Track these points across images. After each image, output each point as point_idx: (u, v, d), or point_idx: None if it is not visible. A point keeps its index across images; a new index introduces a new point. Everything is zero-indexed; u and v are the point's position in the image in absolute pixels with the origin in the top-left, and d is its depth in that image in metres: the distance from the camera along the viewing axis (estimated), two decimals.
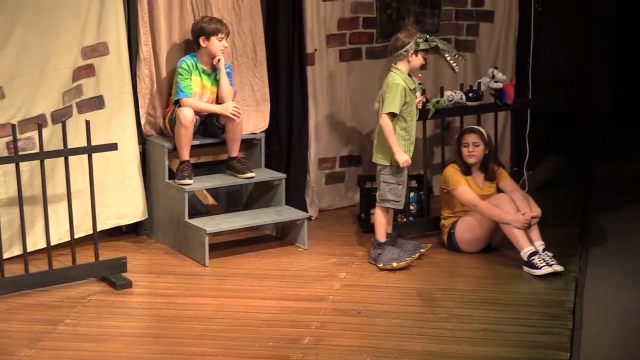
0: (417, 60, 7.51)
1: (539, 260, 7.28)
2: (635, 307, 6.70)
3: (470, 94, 8.28)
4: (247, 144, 8.26)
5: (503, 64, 9.08)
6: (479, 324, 6.40)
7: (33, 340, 6.17)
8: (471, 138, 7.78)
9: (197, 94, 7.88)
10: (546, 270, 7.23)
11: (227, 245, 7.86)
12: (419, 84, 8.05)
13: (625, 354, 6.04)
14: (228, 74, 7.93)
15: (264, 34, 8.42)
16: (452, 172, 7.79)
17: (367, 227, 8.24)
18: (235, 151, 7.95)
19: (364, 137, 8.92)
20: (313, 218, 8.46)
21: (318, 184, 8.71)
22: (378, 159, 7.55)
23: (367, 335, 6.25)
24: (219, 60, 7.83)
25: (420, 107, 7.79)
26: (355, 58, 8.87)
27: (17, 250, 7.33)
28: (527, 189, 8.71)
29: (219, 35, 7.79)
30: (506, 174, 8.00)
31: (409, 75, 7.51)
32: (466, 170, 7.82)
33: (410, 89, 7.46)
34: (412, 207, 8.30)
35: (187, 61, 7.85)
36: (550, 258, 7.32)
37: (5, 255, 7.02)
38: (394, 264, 7.34)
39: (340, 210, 8.88)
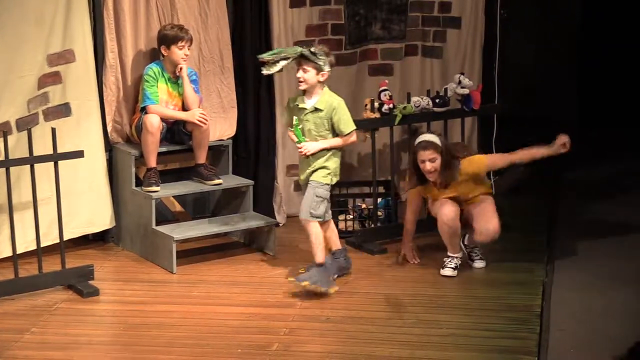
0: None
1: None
2: (602, 311, 6.74)
3: (437, 100, 8.29)
4: (215, 150, 8.25)
5: (469, 69, 9.10)
6: (446, 329, 6.41)
7: None
8: (427, 155, 7.34)
9: (163, 101, 7.86)
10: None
11: (194, 252, 7.84)
12: (386, 89, 8.07)
13: (593, 357, 6.07)
14: (194, 80, 7.91)
15: (231, 40, 8.41)
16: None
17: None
18: (202, 158, 7.93)
19: None
20: (281, 224, 8.46)
21: (286, 190, 8.70)
22: (319, 177, 7.15)
23: (336, 341, 6.25)
24: (180, 69, 7.80)
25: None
26: None
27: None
28: (494, 193, 8.74)
29: (179, 44, 7.77)
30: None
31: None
32: (422, 178, 7.50)
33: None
34: (379, 213, 8.30)
35: (154, 68, 7.83)
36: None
37: None
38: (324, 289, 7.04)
39: None
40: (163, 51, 7.84)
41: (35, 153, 7.03)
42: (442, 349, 6.12)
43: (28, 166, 7.01)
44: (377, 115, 8.11)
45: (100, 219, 7.93)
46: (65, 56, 7.69)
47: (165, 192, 7.86)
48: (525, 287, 7.16)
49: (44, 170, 7.22)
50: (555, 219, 8.79)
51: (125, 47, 7.98)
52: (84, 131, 7.78)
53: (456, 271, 7.42)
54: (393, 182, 8.44)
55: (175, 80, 7.89)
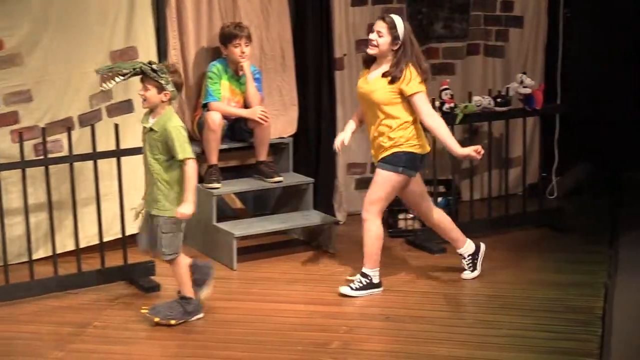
0: None
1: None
2: None
3: (499, 100, 8.25)
4: (275, 148, 8.29)
5: (532, 69, 9.06)
6: (506, 330, 6.37)
7: (62, 343, 6.21)
8: (377, 25, 6.80)
9: (225, 99, 7.90)
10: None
11: (255, 249, 7.88)
12: (447, 88, 8.03)
13: None
14: (257, 79, 7.95)
15: (293, 38, 8.44)
16: None
17: (395, 232, 8.25)
18: (263, 155, 7.96)
19: None
20: (341, 222, 8.47)
21: (347, 188, 8.71)
22: (165, 210, 6.49)
23: (395, 340, 6.24)
24: (242, 66, 7.84)
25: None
26: None
27: (43, 252, 7.38)
28: (556, 194, 8.69)
29: (235, 42, 7.81)
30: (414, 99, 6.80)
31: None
32: (367, 62, 7.01)
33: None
34: None
35: (217, 65, 7.88)
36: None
37: (34, 257, 7.06)
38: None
39: None
40: (223, 49, 7.90)
41: (98, 149, 7.11)
42: (501, 349, 6.08)
43: (91, 162, 7.10)
44: (438, 114, 8.07)
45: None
46: (128, 53, 7.77)
47: (226, 189, 7.91)
48: (586, 289, 7.09)
49: (107, 166, 7.30)
50: (618, 220, 8.70)
51: (188, 44, 8.05)
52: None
53: (472, 273, 7.32)
54: (454, 181, 8.42)
55: (237, 77, 7.93)
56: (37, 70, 7.36)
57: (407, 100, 6.80)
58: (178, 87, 6.46)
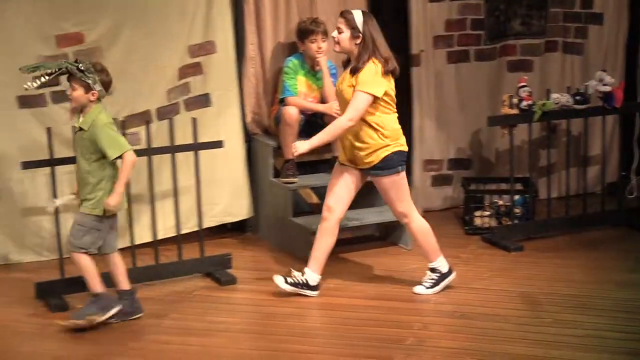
0: None
1: None
2: None
3: (578, 97, 8.17)
4: None
5: (611, 66, 8.97)
6: (582, 330, 6.31)
7: (139, 333, 6.29)
8: (338, 21, 6.68)
9: (302, 94, 7.94)
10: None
11: None
12: (525, 86, 7.98)
13: None
14: (334, 74, 7.96)
15: None
16: None
17: (471, 229, 8.22)
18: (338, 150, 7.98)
19: (473, 140, 8.89)
20: None
21: (423, 185, 8.70)
22: (92, 209, 6.38)
23: (470, 337, 6.22)
24: (318, 62, 7.86)
25: None
26: (463, 60, 8.84)
27: (120, 244, 7.47)
28: (635, 194, 8.60)
29: (312, 37, 7.83)
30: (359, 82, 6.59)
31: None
32: (346, 63, 6.81)
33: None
34: (517, 210, 8.24)
35: (294, 61, 7.92)
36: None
37: None
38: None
39: (445, 211, 8.89)
40: (299, 45, 7.93)
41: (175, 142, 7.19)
42: (577, 349, 6.01)
43: (168, 155, 7.18)
44: (515, 111, 8.04)
45: (238, 208, 8.07)
46: (206, 47, 7.84)
47: (303, 183, 7.95)
48: None
49: (184, 160, 7.39)
50: None
51: (265, 39, 8.10)
52: (224, 122, 7.93)
53: (430, 290, 6.97)
54: (531, 179, 8.37)
55: (314, 73, 7.96)
56: (116, 64, 7.45)
57: (374, 101, 6.59)
58: (106, 86, 6.34)
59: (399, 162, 6.73)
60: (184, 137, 7.36)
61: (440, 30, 8.68)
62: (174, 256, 7.27)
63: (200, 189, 7.22)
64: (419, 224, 6.91)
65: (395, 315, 6.58)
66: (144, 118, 7.40)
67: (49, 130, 6.70)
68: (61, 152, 6.95)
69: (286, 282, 6.86)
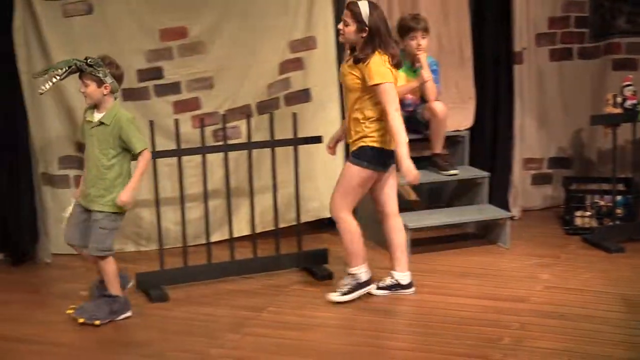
0: None
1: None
2: None
3: None
4: (451, 141, 8.26)
5: None
6: None
7: (237, 326, 6.34)
8: (344, 14, 6.52)
9: None
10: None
11: (428, 242, 7.88)
12: (630, 85, 7.84)
13: None
14: (434, 71, 7.91)
15: (471, 31, 8.38)
16: None
17: (572, 229, 8.12)
18: (439, 148, 7.94)
19: (574, 139, 8.77)
20: (516, 218, 8.38)
21: (522, 183, 8.62)
22: (109, 205, 6.40)
23: (569, 338, 6.13)
24: (418, 58, 7.82)
25: None
26: (566, 58, 8.73)
27: (219, 236, 7.54)
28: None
29: (411, 34, 7.79)
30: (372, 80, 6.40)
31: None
32: (352, 49, 6.64)
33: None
34: (618, 211, 8.11)
35: None
36: None
37: (211, 239, 7.24)
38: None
39: (545, 210, 8.80)
40: (399, 41, 7.90)
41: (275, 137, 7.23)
42: None
43: (268, 149, 7.22)
44: (619, 110, 7.91)
45: None
46: (307, 43, 7.87)
47: (401, 180, 7.90)
48: None
49: (282, 154, 7.42)
50: None
51: None
52: (323, 117, 7.94)
53: (340, 296, 6.75)
54: (634, 179, 8.22)
55: (414, 69, 7.93)
56: (219, 58, 7.54)
57: (371, 93, 6.46)
58: (117, 78, 6.35)
59: (370, 158, 6.54)
60: (283, 131, 7.40)
61: (543, 28, 8.59)
62: (271, 250, 7.31)
63: (298, 183, 7.25)
64: (347, 223, 6.73)
65: (492, 314, 6.52)
66: (244, 112, 7.46)
67: (151, 123, 6.79)
68: (163, 144, 7.03)
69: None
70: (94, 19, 7.36)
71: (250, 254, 7.23)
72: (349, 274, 6.75)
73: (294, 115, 7.19)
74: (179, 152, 6.94)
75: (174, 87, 7.63)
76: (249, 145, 7.13)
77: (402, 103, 7.80)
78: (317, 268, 7.23)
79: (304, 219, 7.73)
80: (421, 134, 7.99)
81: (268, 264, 7.22)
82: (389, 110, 6.36)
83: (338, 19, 7.91)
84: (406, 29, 7.80)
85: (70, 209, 6.52)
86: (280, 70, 7.78)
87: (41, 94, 6.38)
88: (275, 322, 6.40)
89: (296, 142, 7.22)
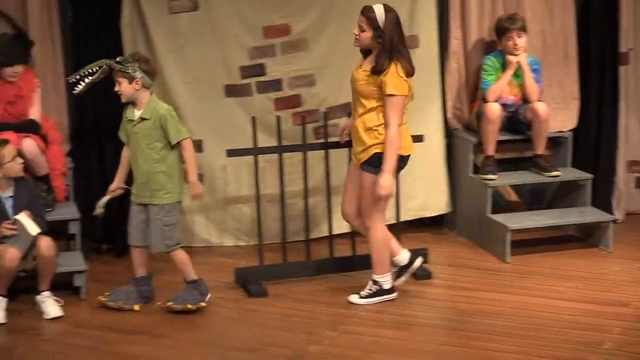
0: None
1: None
2: None
3: None
4: (554, 142, 8.14)
5: None
6: None
7: (335, 323, 6.35)
8: (359, 19, 6.43)
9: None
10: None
11: (528, 243, 7.76)
12: None
13: None
14: (535, 70, 7.82)
15: (576, 31, 8.25)
16: None
17: None
18: (541, 148, 7.84)
19: None
20: (619, 221, 8.23)
21: (626, 186, 8.46)
22: (167, 197, 6.50)
23: None
24: (509, 59, 7.73)
25: None
26: None
27: (318, 233, 7.55)
28: None
29: (508, 34, 7.70)
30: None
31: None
32: (365, 52, 6.56)
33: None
34: None
35: (492, 59, 7.84)
36: None
37: (311, 236, 7.26)
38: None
39: None
40: (497, 42, 7.85)
41: None
42: None
43: None
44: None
45: (436, 203, 8.04)
46: (410, 41, 7.79)
47: (502, 181, 7.85)
48: None
49: None
50: None
51: (469, 34, 8.03)
52: (424, 116, 7.89)
53: (361, 299, 6.68)
54: None
55: (517, 74, 7.83)
56: (321, 56, 7.55)
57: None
58: (148, 73, 6.41)
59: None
60: None
61: None
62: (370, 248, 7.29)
63: (398, 182, 7.21)
64: (378, 231, 6.61)
65: (593, 318, 6.42)
66: (345, 110, 7.46)
67: (253, 119, 6.83)
68: (264, 141, 7.07)
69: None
70: (199, 15, 7.43)
71: (349, 252, 7.23)
72: (373, 281, 6.68)
73: None
74: (280, 149, 6.97)
75: (276, 84, 7.66)
76: (349, 144, 7.12)
77: (504, 104, 7.76)
78: (417, 267, 7.17)
79: (404, 217, 7.69)
80: (523, 134, 7.91)
81: (367, 262, 7.18)
82: (391, 123, 6.32)
83: (441, 18, 7.90)
84: (502, 29, 7.74)
85: (104, 200, 6.60)
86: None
87: (76, 94, 6.51)
88: (373, 321, 6.39)
89: None
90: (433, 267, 7.23)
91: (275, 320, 6.42)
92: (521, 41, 7.71)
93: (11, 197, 6.50)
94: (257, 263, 7.03)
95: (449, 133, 8.07)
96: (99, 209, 6.60)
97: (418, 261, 6.80)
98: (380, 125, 6.39)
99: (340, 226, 7.51)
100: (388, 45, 6.31)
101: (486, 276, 7.17)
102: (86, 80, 6.42)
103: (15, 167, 6.46)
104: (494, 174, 7.72)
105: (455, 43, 8.02)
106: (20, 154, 6.61)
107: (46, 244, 6.42)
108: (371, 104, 6.40)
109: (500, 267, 7.35)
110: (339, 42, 7.59)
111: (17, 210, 6.47)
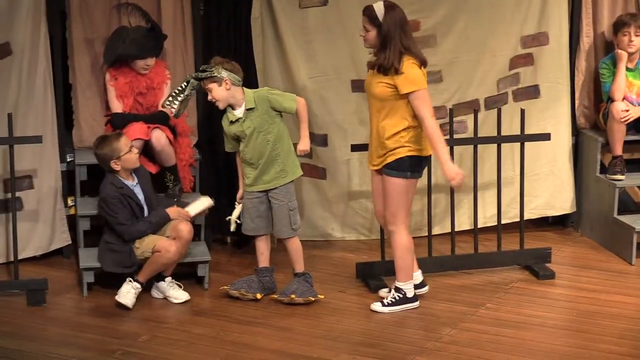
0: None
1: None
2: None
3: None
4: None
5: None
6: None
7: (455, 321, 6.31)
8: (362, 20, 6.30)
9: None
10: None
11: None
12: None
13: None
14: None
15: None
16: None
17: None
18: None
19: None
20: None
21: None
22: (288, 175, 6.61)
23: None
24: (620, 55, 7.54)
25: None
26: None
27: (439, 229, 7.50)
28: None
29: (625, 29, 7.52)
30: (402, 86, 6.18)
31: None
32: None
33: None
34: None
35: (606, 62, 7.68)
36: None
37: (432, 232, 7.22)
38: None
39: None
40: (614, 38, 7.67)
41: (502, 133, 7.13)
42: None
43: (493, 145, 7.13)
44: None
45: (561, 202, 7.91)
46: (539, 39, 7.72)
47: (630, 181, 7.68)
48: None
49: (509, 150, 7.32)
50: None
51: (601, 32, 7.86)
52: (552, 114, 7.78)
53: (384, 307, 6.50)
54: None
55: (631, 69, 7.64)
56: (449, 52, 7.49)
57: (406, 101, 6.18)
58: (233, 71, 6.46)
59: (411, 167, 6.27)
60: (508, 127, 7.30)
61: None
62: (492, 246, 7.23)
63: (524, 180, 7.14)
64: (402, 237, 6.41)
65: None
66: (471, 107, 7.38)
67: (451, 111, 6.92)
68: None
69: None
70: (328, 10, 7.43)
71: (470, 249, 7.16)
72: (396, 288, 6.54)
73: (522, 111, 7.09)
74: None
75: None
76: (474, 140, 7.07)
77: (631, 102, 7.58)
78: (539, 267, 7.08)
79: (527, 216, 7.59)
80: None
81: (488, 260, 7.14)
82: (425, 116, 6.16)
83: (572, 15, 7.75)
84: (619, 24, 7.60)
85: (237, 212, 6.68)
86: (511, 66, 7.66)
87: (175, 116, 6.61)
88: (493, 319, 6.34)
89: (524, 138, 7.11)
90: (556, 267, 7.12)
91: (395, 316, 6.40)
92: (637, 41, 7.52)
93: (136, 184, 6.65)
94: (378, 259, 7.01)
95: (576, 132, 7.92)
96: (233, 224, 6.70)
97: (425, 289, 6.67)
98: (403, 129, 6.24)
99: (462, 223, 7.47)
100: (389, 39, 6.17)
101: (610, 278, 7.03)
102: (178, 99, 6.53)
103: (133, 158, 6.60)
104: (622, 174, 7.55)
105: (586, 41, 7.85)
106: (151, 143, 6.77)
107: (187, 228, 6.57)
108: (389, 105, 6.25)
109: (625, 269, 7.20)
110: (468, 38, 7.52)
111: (145, 197, 6.64)
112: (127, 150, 6.54)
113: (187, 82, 6.50)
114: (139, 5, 7.21)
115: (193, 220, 6.76)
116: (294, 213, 6.62)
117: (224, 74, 6.43)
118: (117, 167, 6.54)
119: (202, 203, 6.80)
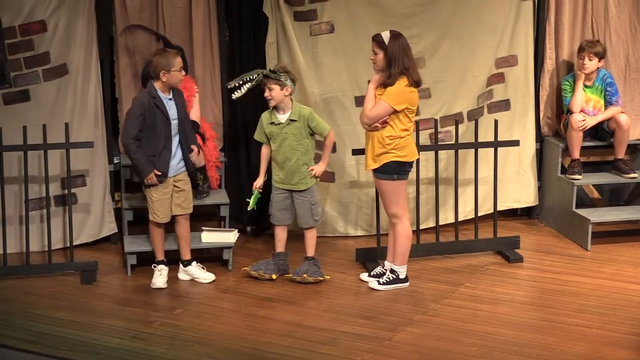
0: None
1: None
2: None
3: None
4: (633, 148, 7.88)
5: None
6: None
7: (439, 297, 6.30)
8: (372, 45, 6.34)
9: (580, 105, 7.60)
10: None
11: (607, 234, 7.55)
12: None
13: None
14: (610, 83, 7.57)
15: None
16: None
17: None
18: (621, 154, 7.60)
19: None
20: None
21: None
22: (311, 181, 6.62)
23: None
24: (579, 74, 7.52)
25: None
26: None
27: (431, 223, 7.47)
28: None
29: (582, 54, 7.50)
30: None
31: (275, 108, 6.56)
32: None
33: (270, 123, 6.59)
34: None
35: (568, 79, 7.64)
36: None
37: (422, 226, 7.19)
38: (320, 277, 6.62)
39: None
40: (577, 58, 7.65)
41: (479, 140, 7.10)
42: None
43: (472, 150, 7.11)
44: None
45: (525, 197, 7.89)
46: (509, 60, 7.70)
47: (586, 180, 7.65)
48: None
49: (484, 154, 7.29)
50: None
51: (562, 54, 7.83)
52: (520, 124, 7.75)
53: (379, 285, 6.48)
54: None
55: (591, 86, 7.60)
56: (436, 72, 7.44)
57: (394, 114, 6.22)
58: (294, 82, 6.53)
59: (397, 170, 6.27)
60: (484, 135, 7.27)
61: None
62: (470, 235, 7.22)
63: (497, 179, 7.12)
64: (404, 227, 6.40)
65: None
66: (455, 119, 7.35)
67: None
68: None
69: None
70: (334, 37, 7.37)
71: (452, 237, 7.15)
72: (392, 270, 6.51)
73: (495, 121, 7.08)
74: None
75: None
76: (455, 146, 7.06)
77: (587, 113, 7.54)
78: (510, 252, 7.06)
79: (499, 208, 7.55)
80: (606, 141, 7.67)
81: (467, 246, 7.12)
82: (366, 112, 6.25)
83: (537, 39, 7.71)
84: (581, 48, 7.56)
85: (255, 197, 6.62)
86: (487, 83, 7.62)
87: (234, 99, 6.60)
88: (471, 296, 6.33)
89: (497, 144, 7.10)
90: (524, 252, 7.10)
91: (388, 293, 6.39)
92: (590, 64, 7.48)
93: (170, 99, 6.45)
94: (375, 246, 7.00)
95: (541, 139, 7.89)
96: (253, 205, 6.65)
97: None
98: (389, 137, 6.25)
99: (448, 217, 7.44)
100: (393, 61, 6.21)
101: (569, 261, 7.01)
102: (246, 86, 6.52)
103: (179, 76, 6.41)
104: (579, 175, 7.52)
105: (549, 62, 7.82)
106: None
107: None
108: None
109: (582, 254, 7.18)
110: (452, 60, 7.46)
111: (177, 112, 6.43)
112: (177, 68, 6.37)
113: (258, 75, 6.49)
114: (158, 32, 7.28)
115: (195, 172, 6.73)
116: (315, 207, 6.62)
117: (289, 82, 6.47)
118: (164, 79, 6.32)
119: (224, 237, 6.77)
